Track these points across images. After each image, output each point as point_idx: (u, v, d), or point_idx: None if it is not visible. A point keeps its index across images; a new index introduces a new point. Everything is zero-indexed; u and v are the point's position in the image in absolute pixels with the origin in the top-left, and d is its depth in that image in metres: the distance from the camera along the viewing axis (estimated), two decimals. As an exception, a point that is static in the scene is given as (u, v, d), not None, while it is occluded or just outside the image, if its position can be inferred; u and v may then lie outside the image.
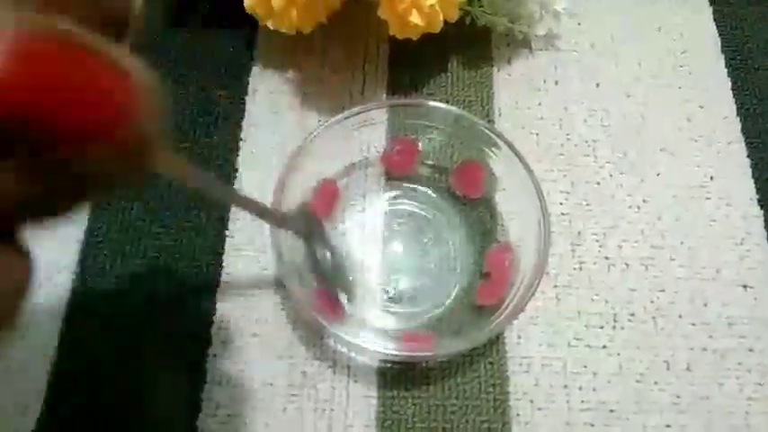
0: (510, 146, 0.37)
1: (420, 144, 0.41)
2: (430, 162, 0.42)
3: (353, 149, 0.41)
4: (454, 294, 0.39)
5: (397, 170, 0.42)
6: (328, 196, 0.40)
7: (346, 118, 0.38)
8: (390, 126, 0.41)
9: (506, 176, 0.38)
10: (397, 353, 0.33)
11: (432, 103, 0.39)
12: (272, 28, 0.42)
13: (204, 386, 0.36)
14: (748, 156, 0.44)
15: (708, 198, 0.43)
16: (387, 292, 0.39)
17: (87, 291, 0.39)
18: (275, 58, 0.46)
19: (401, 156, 0.41)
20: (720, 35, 0.49)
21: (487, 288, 0.38)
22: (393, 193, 0.42)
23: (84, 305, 0.38)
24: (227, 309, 0.38)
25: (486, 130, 0.38)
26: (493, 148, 0.38)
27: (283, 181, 0.35)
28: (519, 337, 0.39)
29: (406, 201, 0.41)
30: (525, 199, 0.37)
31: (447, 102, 0.44)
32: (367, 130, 0.40)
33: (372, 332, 0.37)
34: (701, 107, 0.46)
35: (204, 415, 0.36)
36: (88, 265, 0.39)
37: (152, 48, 0.47)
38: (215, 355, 0.37)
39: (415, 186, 0.42)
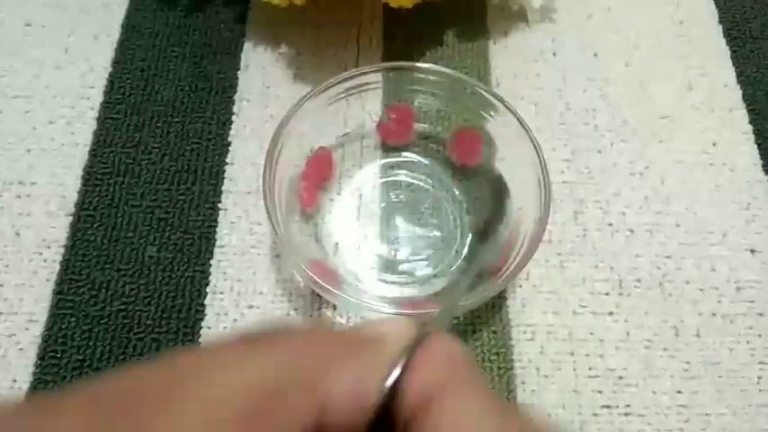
0: (507, 106, 0.36)
1: (416, 111, 0.40)
2: (427, 130, 0.41)
3: (348, 118, 0.41)
4: (455, 264, 0.38)
5: (393, 140, 0.41)
6: (323, 165, 0.39)
7: (340, 82, 0.37)
8: (385, 93, 0.40)
9: (504, 139, 0.38)
10: (395, 311, 0.32)
11: (426, 66, 0.38)
12: (263, -1, 0.41)
13: (198, 359, 0.35)
14: (750, 122, 0.44)
15: (711, 164, 0.42)
16: (385, 262, 0.38)
17: (78, 264, 0.37)
18: (267, 33, 0.46)
19: (397, 125, 0.40)
20: (717, 5, 0.49)
21: (489, 253, 0.37)
22: (390, 164, 0.41)
23: (75, 279, 0.37)
24: (220, 281, 0.37)
25: (483, 92, 0.37)
26: (491, 111, 0.37)
27: (275, 145, 0.35)
28: (523, 306, 0.37)
29: (403, 171, 0.40)
30: (524, 160, 0.36)
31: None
32: (362, 97, 0.39)
33: (371, 300, 0.36)
34: (702, 75, 0.46)
35: (198, 387, 0.34)
36: (79, 238, 0.38)
37: (145, 24, 0.46)
38: (209, 328, 0.36)
39: (412, 156, 0.41)
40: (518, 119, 0.36)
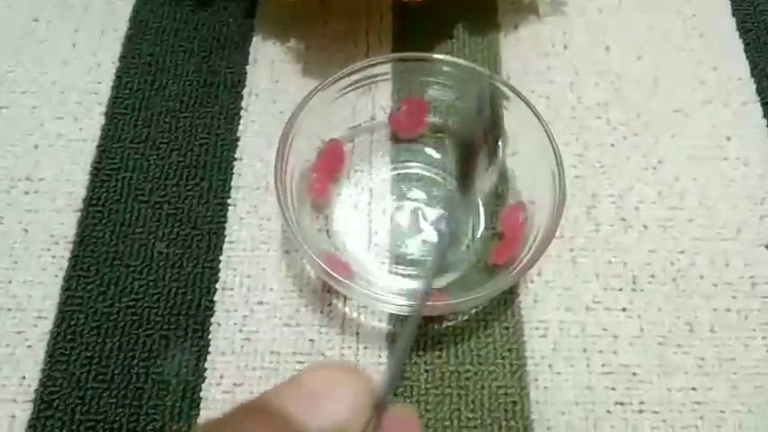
0: (521, 97, 0.36)
1: (428, 103, 0.40)
2: (438, 123, 0.41)
3: (359, 110, 0.40)
4: (467, 256, 0.37)
5: (405, 132, 0.40)
6: (335, 157, 0.39)
7: (351, 73, 0.36)
8: (396, 84, 0.40)
9: (518, 130, 0.37)
10: (406, 303, 0.32)
11: (438, 57, 0.38)
12: (272, -7, 0.41)
13: (208, 355, 0.35)
14: (764, 116, 0.43)
15: (725, 159, 0.42)
16: (396, 255, 0.37)
17: (87, 260, 0.37)
18: (276, 28, 0.45)
19: (409, 117, 0.40)
20: (731, -2, 0.48)
21: (501, 247, 0.37)
22: (401, 156, 0.40)
23: (84, 275, 0.37)
24: (230, 277, 0.37)
25: (496, 83, 0.37)
26: (503, 101, 0.37)
27: (287, 137, 0.34)
28: (535, 301, 0.37)
29: (414, 164, 0.40)
30: (538, 152, 0.36)
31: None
32: (372, 89, 0.38)
33: (382, 293, 0.35)
34: (714, 69, 0.45)
35: (208, 384, 0.34)
36: (87, 234, 0.38)
37: (152, 18, 0.46)
38: (219, 324, 0.36)
39: (424, 148, 0.40)
40: (532, 110, 0.36)
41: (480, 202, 0.39)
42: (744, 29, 0.47)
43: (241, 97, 0.43)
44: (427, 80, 0.39)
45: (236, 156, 0.41)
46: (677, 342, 0.36)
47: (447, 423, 0.34)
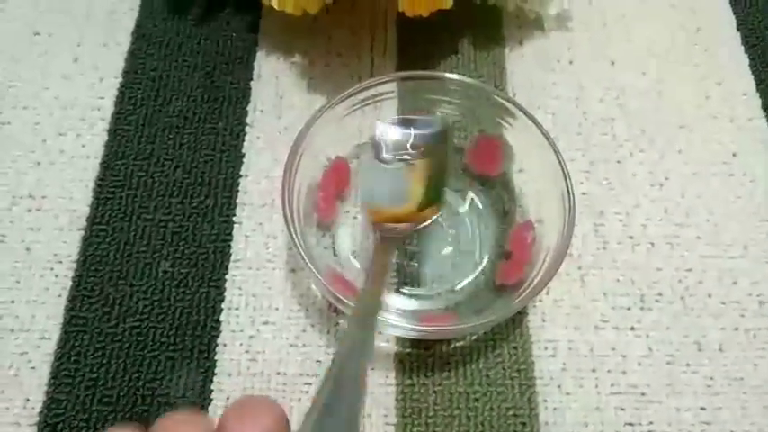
0: (527, 114, 0.36)
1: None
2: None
3: (365, 128, 0.40)
4: (474, 275, 0.37)
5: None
6: (341, 175, 0.38)
7: (357, 92, 0.36)
8: (402, 102, 0.39)
9: (525, 148, 0.37)
10: (414, 327, 0.32)
11: (444, 75, 0.38)
12: (276, 8, 0.40)
13: (214, 377, 0.35)
14: (770, 132, 0.43)
15: (731, 175, 0.42)
16: (403, 274, 0.37)
17: (90, 280, 0.37)
18: (280, 42, 0.45)
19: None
20: (735, 13, 0.48)
21: (509, 267, 0.36)
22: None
23: (87, 295, 0.36)
24: (236, 296, 0.37)
25: (502, 100, 0.37)
26: (509, 119, 0.37)
27: (294, 156, 0.34)
28: (543, 321, 0.37)
29: (420, 181, 0.40)
30: (545, 171, 0.35)
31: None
32: (378, 107, 0.38)
33: (390, 313, 0.35)
34: (719, 84, 0.45)
35: (215, 406, 0.34)
36: (91, 253, 0.37)
37: (155, 33, 0.45)
38: (225, 345, 0.35)
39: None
40: (539, 128, 0.36)
41: (489, 221, 0.38)
42: (748, 44, 0.47)
43: (246, 113, 0.42)
44: (432, 98, 0.39)
45: (241, 173, 0.40)
46: (686, 361, 0.36)
47: (456, 445, 0.34)
